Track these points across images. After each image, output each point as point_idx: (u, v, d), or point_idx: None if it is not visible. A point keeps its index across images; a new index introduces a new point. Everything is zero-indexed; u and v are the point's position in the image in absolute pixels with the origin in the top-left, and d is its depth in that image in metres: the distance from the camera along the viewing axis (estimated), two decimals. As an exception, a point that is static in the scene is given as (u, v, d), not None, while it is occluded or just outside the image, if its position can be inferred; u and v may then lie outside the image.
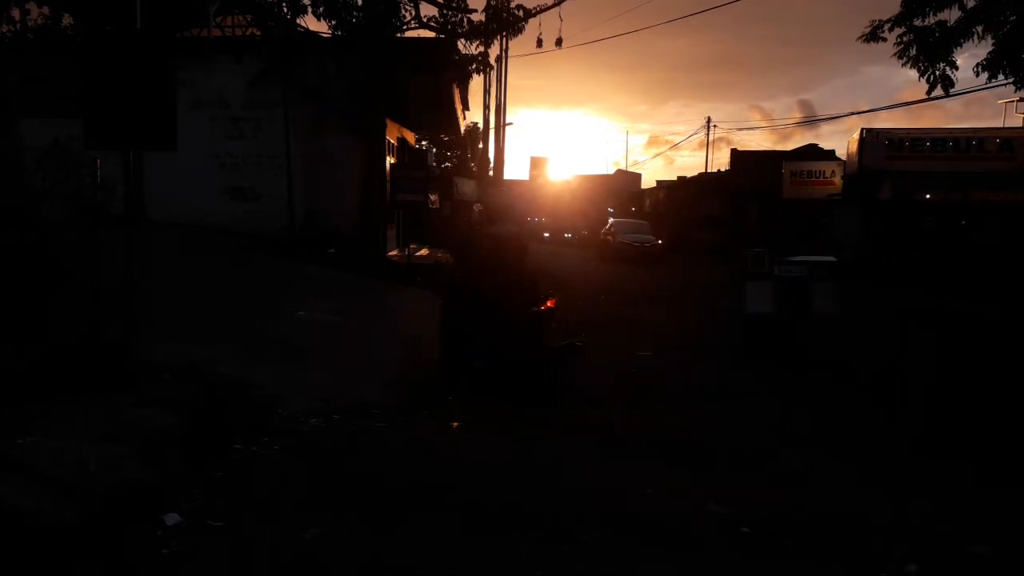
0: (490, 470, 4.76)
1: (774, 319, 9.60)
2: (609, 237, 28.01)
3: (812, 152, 33.06)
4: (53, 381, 4.87)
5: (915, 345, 10.89)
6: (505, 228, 7.93)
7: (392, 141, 18.40)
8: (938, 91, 11.79)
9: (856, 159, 23.63)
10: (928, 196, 21.56)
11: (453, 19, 16.40)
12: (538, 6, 16.92)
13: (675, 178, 48.23)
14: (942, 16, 11.45)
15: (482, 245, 7.44)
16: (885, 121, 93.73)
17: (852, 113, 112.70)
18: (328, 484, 4.37)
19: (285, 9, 15.27)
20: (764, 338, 9.66)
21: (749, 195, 32.37)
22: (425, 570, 3.41)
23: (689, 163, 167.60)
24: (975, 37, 11.20)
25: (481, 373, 6.72)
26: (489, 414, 6.19)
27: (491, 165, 25.96)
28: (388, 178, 15.94)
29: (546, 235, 49.14)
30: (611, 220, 31.58)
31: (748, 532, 3.93)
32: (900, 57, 11.78)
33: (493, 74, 23.00)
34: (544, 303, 7.18)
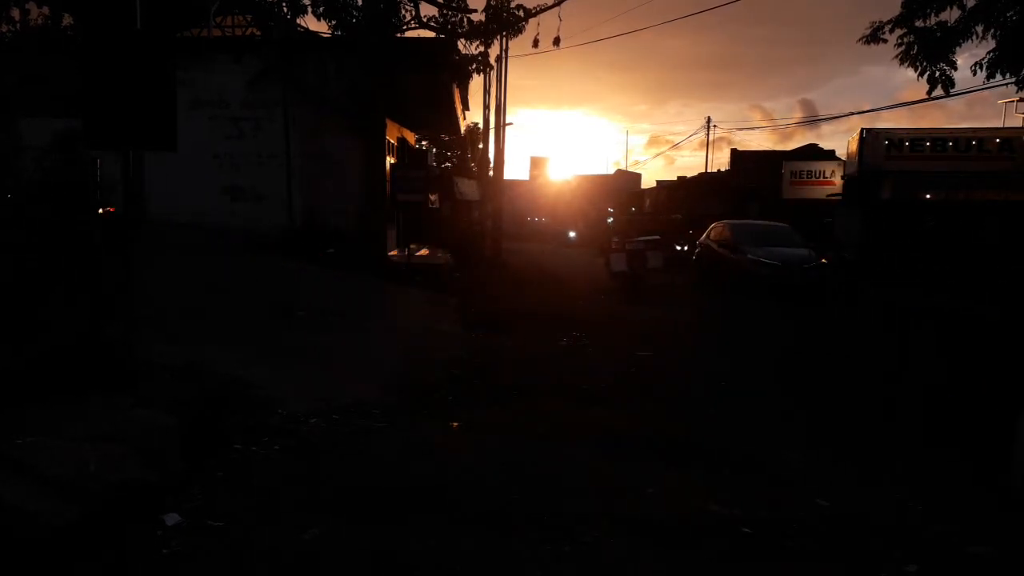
0: (490, 470, 4.76)
1: (628, 272, 16.27)
2: (721, 249, 17.71)
3: (812, 152, 33.14)
4: (53, 381, 4.87)
5: (915, 345, 10.90)
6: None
7: (392, 141, 18.41)
8: (938, 91, 11.82)
9: (856, 159, 23.61)
10: (928, 196, 21.55)
11: (453, 19, 16.39)
12: (538, 6, 16.89)
13: (675, 178, 48.25)
14: (942, 16, 11.48)
15: None
16: (886, 121, 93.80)
17: (853, 113, 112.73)
18: (328, 484, 4.37)
19: (285, 9, 15.26)
20: (622, 283, 16.35)
21: (749, 195, 32.41)
22: (425, 570, 3.41)
23: (689, 163, 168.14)
24: (975, 37, 11.22)
25: None
26: (489, 414, 6.19)
27: (491, 165, 25.93)
28: (388, 178, 15.94)
29: (572, 236, 46.09)
30: (718, 223, 19.40)
31: (748, 532, 3.94)
32: (902, 60, 11.81)
33: (493, 74, 22.98)
34: None
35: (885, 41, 12.11)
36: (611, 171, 64.01)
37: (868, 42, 12.28)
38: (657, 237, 18.25)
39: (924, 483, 4.93)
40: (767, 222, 20.09)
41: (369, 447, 5.12)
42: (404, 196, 16.06)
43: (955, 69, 11.61)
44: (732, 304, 15.45)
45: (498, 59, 22.77)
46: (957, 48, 11.41)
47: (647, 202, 48.24)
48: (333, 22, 15.22)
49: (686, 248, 25.56)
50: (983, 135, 22.57)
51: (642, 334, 10.79)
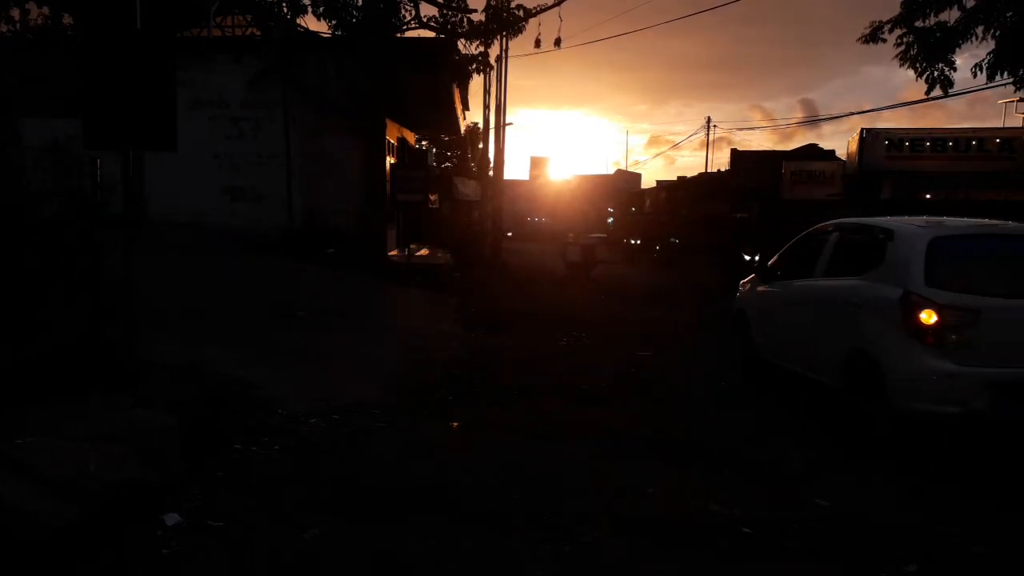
0: (490, 470, 4.77)
1: (580, 261, 20.58)
2: None
3: (812, 152, 33.04)
4: (53, 381, 4.87)
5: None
6: None
7: (392, 141, 18.41)
8: (937, 91, 11.83)
9: (856, 159, 23.61)
10: (928, 196, 21.55)
11: (453, 19, 16.38)
12: (538, 6, 16.90)
13: (675, 178, 48.16)
14: (942, 17, 11.49)
15: None
16: (886, 121, 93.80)
17: (853, 113, 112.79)
18: (328, 484, 4.37)
19: (285, 9, 15.26)
20: (575, 271, 20.16)
21: (749, 195, 32.36)
22: (425, 570, 3.41)
23: (690, 163, 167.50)
24: (975, 38, 11.22)
25: None
26: (489, 414, 6.19)
27: (491, 165, 25.93)
28: (388, 178, 15.94)
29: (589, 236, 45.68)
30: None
31: (748, 532, 3.94)
32: (901, 60, 11.81)
33: (493, 74, 22.96)
34: None
35: (885, 41, 12.11)
36: (611, 171, 63.91)
37: (868, 42, 12.28)
38: (604, 235, 27.43)
39: (924, 483, 4.93)
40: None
41: (369, 447, 5.12)
42: (404, 196, 16.06)
43: (954, 70, 11.63)
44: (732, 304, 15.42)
45: (498, 59, 22.75)
46: (957, 48, 11.42)
47: (647, 202, 48.11)
48: (333, 22, 15.22)
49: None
50: (983, 135, 22.56)
51: (642, 334, 10.79)
